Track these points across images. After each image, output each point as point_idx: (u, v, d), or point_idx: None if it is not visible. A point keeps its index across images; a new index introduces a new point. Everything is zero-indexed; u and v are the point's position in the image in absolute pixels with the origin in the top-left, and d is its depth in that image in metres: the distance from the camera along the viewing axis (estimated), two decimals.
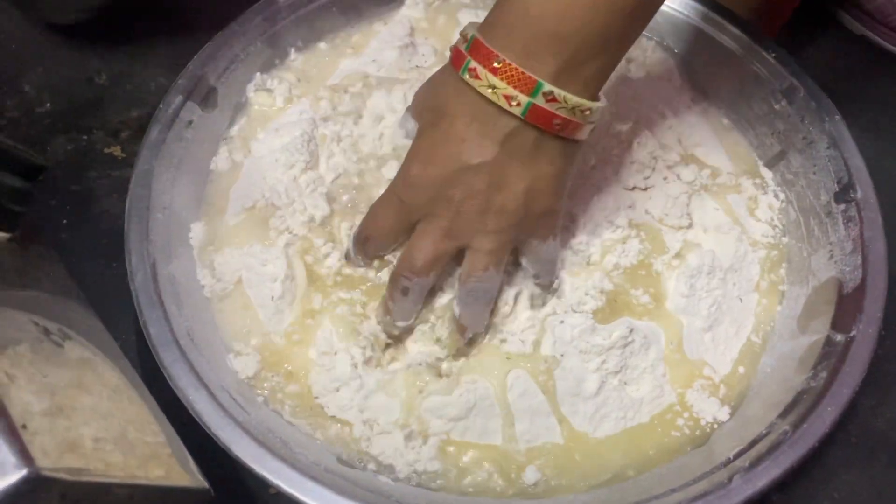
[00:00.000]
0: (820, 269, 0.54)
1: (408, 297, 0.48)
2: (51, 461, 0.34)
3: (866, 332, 0.49)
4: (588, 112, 0.44)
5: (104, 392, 0.41)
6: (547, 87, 0.42)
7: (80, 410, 0.39)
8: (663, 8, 0.63)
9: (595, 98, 0.45)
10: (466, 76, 0.43)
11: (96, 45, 0.68)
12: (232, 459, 0.46)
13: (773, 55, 0.60)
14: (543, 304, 0.52)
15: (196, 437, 0.44)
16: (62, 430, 0.37)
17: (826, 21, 0.74)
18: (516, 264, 0.51)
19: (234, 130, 0.59)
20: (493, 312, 0.51)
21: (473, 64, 0.43)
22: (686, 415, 0.51)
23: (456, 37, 0.53)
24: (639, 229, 0.56)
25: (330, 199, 0.55)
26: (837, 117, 0.57)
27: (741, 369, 0.53)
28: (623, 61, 0.62)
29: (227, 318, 0.52)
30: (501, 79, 0.42)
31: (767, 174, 0.60)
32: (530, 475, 0.48)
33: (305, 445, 0.46)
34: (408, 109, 0.54)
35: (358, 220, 0.52)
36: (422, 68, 0.63)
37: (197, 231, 0.54)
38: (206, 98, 0.57)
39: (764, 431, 0.46)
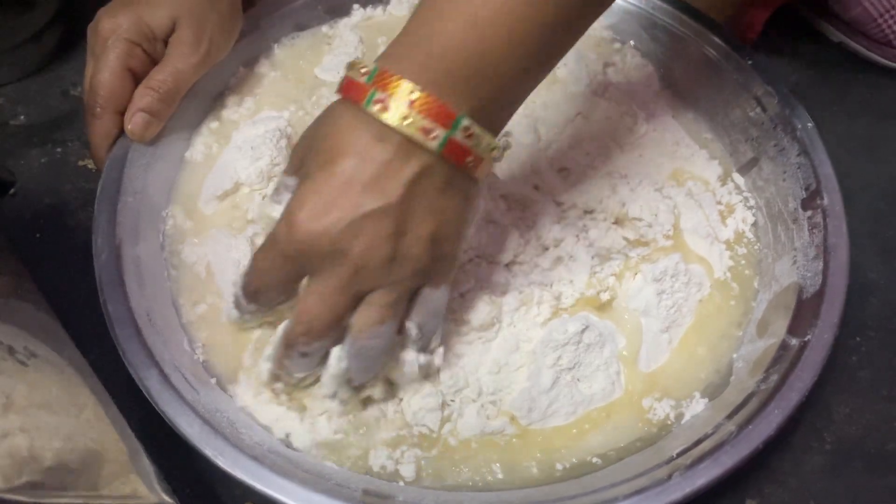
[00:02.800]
0: (783, 274, 0.54)
1: (306, 359, 0.45)
2: (13, 484, 0.35)
3: (821, 337, 0.48)
4: (494, 151, 0.42)
5: (70, 410, 0.42)
6: (466, 121, 0.40)
7: (44, 430, 0.39)
8: (642, 13, 0.64)
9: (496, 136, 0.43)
10: (374, 107, 0.40)
11: (70, 57, 0.69)
12: (204, 474, 0.48)
13: (750, 62, 0.60)
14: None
15: (168, 453, 0.45)
16: (23, 451, 0.37)
17: (804, 28, 0.74)
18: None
19: (212, 120, 0.60)
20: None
21: (381, 95, 0.39)
22: (638, 413, 0.51)
23: None
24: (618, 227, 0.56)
25: None
26: (810, 125, 0.57)
27: (697, 371, 0.52)
28: (601, 65, 0.63)
29: (189, 301, 0.53)
30: (417, 111, 0.39)
31: (740, 180, 0.60)
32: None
33: (251, 427, 0.47)
34: (284, 172, 0.48)
35: None
36: None
37: (167, 216, 0.55)
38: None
39: (710, 431, 0.46)
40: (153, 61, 0.55)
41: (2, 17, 0.66)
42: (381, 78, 0.40)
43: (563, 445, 0.49)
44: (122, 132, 0.55)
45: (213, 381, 0.49)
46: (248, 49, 0.63)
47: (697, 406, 0.50)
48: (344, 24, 0.66)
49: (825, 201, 0.54)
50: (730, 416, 0.47)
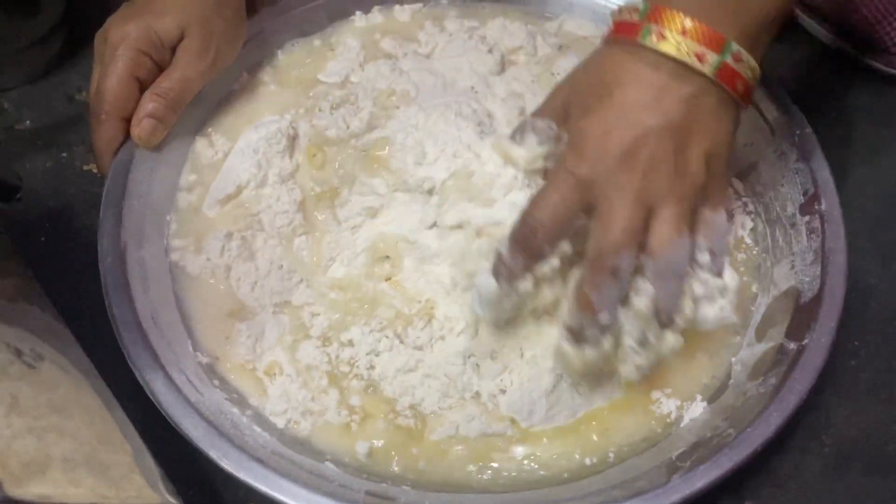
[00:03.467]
0: (781, 278, 0.54)
1: (618, 279, 0.44)
2: (19, 484, 0.36)
3: (819, 340, 0.49)
4: (757, 79, 0.45)
5: (76, 412, 0.42)
6: (735, 46, 0.43)
7: (51, 432, 0.39)
8: None
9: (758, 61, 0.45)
10: (651, 39, 0.43)
11: (75, 61, 0.70)
12: (208, 475, 0.48)
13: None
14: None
15: (173, 454, 0.45)
16: (32, 453, 0.38)
17: (802, 34, 0.75)
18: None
19: (216, 125, 0.61)
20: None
21: (656, 27, 0.43)
22: (640, 415, 0.51)
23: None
24: None
25: (303, 191, 0.57)
26: (808, 130, 0.57)
27: (697, 374, 0.53)
28: None
29: (194, 303, 0.53)
30: (690, 38, 0.43)
31: (739, 185, 0.61)
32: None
33: (255, 429, 0.47)
34: (534, 114, 0.49)
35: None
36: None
37: (171, 220, 0.56)
38: None
39: (709, 434, 0.47)
40: (160, 69, 0.55)
41: (7, 21, 0.66)
42: (653, 12, 0.44)
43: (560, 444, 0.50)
44: (126, 138, 0.55)
45: (216, 382, 0.49)
46: (251, 55, 0.63)
47: (696, 409, 0.50)
48: (347, 29, 0.67)
49: (823, 206, 0.54)
50: (728, 419, 0.47)
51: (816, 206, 0.54)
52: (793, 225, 0.55)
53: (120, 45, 0.53)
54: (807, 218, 0.54)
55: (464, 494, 0.47)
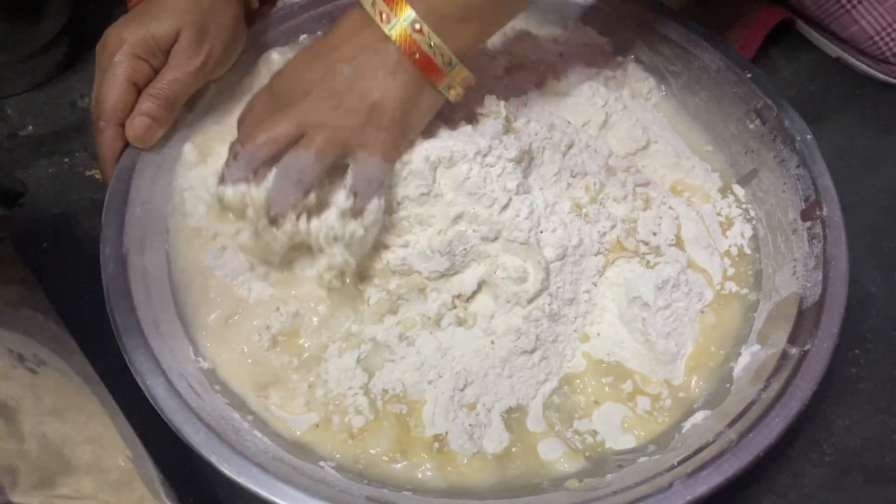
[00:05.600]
0: (783, 284, 0.54)
1: (237, 162, 0.49)
2: (21, 490, 0.36)
3: (821, 346, 0.49)
4: (449, 65, 0.49)
5: (78, 418, 0.42)
6: (416, 17, 0.47)
7: (53, 437, 0.40)
8: (644, 27, 0.65)
9: (459, 56, 0.49)
10: None
11: (79, 68, 0.71)
12: (209, 480, 0.49)
13: (749, 75, 0.61)
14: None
15: (174, 460, 0.46)
16: (33, 458, 0.38)
17: (803, 43, 0.75)
18: None
19: (217, 132, 0.61)
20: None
21: None
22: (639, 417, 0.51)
23: None
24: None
25: None
26: (809, 137, 0.57)
27: (696, 379, 0.53)
28: (602, 78, 0.63)
29: (193, 309, 0.53)
30: None
31: (740, 191, 0.61)
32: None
33: (256, 435, 0.47)
34: None
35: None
36: None
37: (172, 226, 0.56)
38: (191, 100, 0.59)
39: (711, 439, 0.46)
40: (158, 74, 0.56)
41: (11, 29, 0.66)
42: None
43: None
44: (127, 145, 0.55)
45: (218, 388, 0.49)
46: (253, 63, 0.63)
47: (698, 415, 0.50)
48: None
49: (824, 212, 0.54)
50: (731, 425, 0.47)
51: (818, 212, 0.54)
52: (794, 231, 0.55)
53: (117, 52, 0.54)
54: (808, 224, 0.55)
55: (466, 500, 0.47)
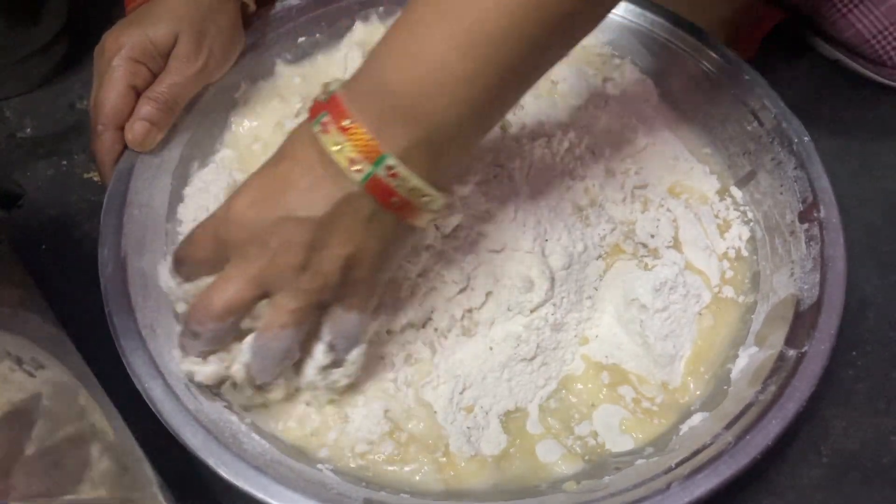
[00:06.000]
0: (780, 286, 0.54)
1: (198, 342, 0.46)
2: (19, 494, 0.35)
3: (818, 348, 0.49)
4: (428, 199, 0.43)
5: (75, 421, 0.42)
6: (392, 160, 0.41)
7: (50, 440, 0.39)
8: (641, 29, 0.65)
9: (440, 189, 0.43)
10: (317, 128, 0.42)
11: (77, 69, 0.70)
12: (207, 483, 0.49)
13: (747, 77, 0.61)
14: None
15: (171, 463, 0.45)
16: (31, 461, 0.38)
17: (800, 45, 0.75)
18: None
19: (215, 135, 0.61)
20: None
21: (326, 118, 0.41)
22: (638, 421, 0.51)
23: None
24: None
25: None
26: (806, 139, 0.58)
27: (693, 381, 0.53)
28: (600, 80, 0.64)
29: None
30: (349, 140, 0.41)
31: (738, 193, 0.61)
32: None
33: (254, 437, 0.47)
34: None
35: None
36: None
37: (171, 230, 0.56)
38: (190, 103, 0.59)
39: (708, 441, 0.46)
40: (156, 77, 0.56)
41: (9, 30, 0.66)
42: (332, 101, 0.42)
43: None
44: (125, 148, 0.56)
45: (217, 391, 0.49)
46: (251, 66, 0.63)
47: (696, 417, 0.50)
48: (346, 40, 0.67)
49: (822, 214, 0.54)
50: (728, 427, 0.47)
51: (815, 214, 0.54)
52: (792, 233, 0.55)
53: (115, 56, 0.54)
54: (806, 226, 0.55)
55: (464, 503, 0.47)
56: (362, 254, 0.44)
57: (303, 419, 0.50)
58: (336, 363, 0.47)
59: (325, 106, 0.42)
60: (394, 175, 0.41)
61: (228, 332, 0.45)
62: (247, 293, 0.44)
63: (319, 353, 0.47)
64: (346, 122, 0.41)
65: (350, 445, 0.49)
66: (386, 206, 0.42)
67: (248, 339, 0.45)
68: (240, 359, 0.46)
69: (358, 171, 0.41)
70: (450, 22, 0.40)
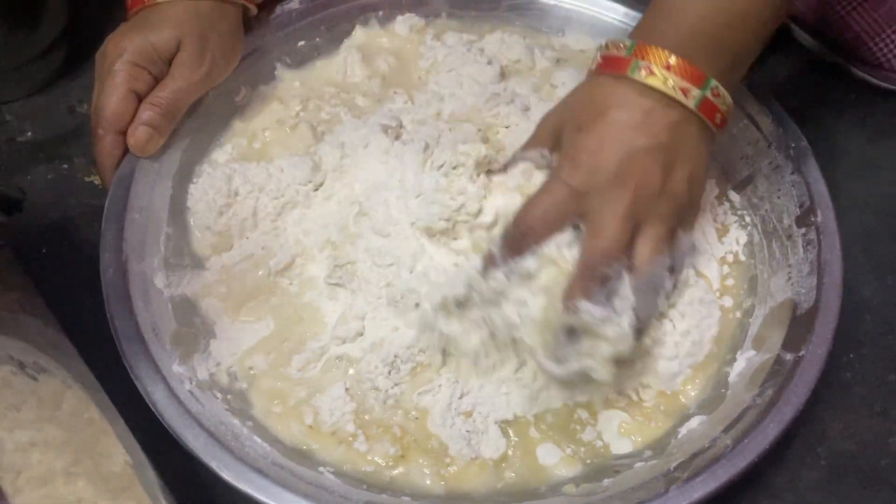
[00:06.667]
0: (778, 290, 0.55)
1: (605, 286, 0.47)
2: (24, 498, 0.36)
3: (815, 351, 0.49)
4: (731, 108, 0.49)
5: (78, 424, 0.42)
6: (714, 82, 0.47)
7: (54, 444, 0.40)
8: None
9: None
10: (640, 73, 0.47)
11: (77, 74, 0.71)
12: (209, 486, 0.49)
13: (744, 81, 0.61)
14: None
15: (173, 465, 0.46)
16: (35, 465, 0.38)
17: (798, 49, 0.75)
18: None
19: (216, 140, 0.62)
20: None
21: (644, 63, 0.47)
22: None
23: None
24: None
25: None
26: (803, 143, 0.58)
27: (691, 385, 0.53)
28: None
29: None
30: (675, 74, 0.46)
31: (736, 198, 0.61)
32: None
33: (255, 440, 0.48)
34: (524, 147, 0.53)
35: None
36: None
37: (170, 233, 0.56)
38: (191, 108, 0.59)
39: (706, 445, 0.47)
40: (158, 82, 0.56)
41: (9, 35, 0.67)
42: (640, 49, 0.48)
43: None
44: (126, 151, 0.56)
45: (219, 395, 0.50)
46: (251, 70, 0.64)
47: (694, 420, 0.50)
48: (346, 44, 0.67)
49: (819, 218, 0.55)
50: (726, 430, 0.47)
51: (812, 218, 0.55)
52: (789, 237, 0.56)
53: (117, 60, 0.54)
54: (803, 230, 0.55)
55: None
56: (698, 171, 0.49)
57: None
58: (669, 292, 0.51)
59: (634, 55, 0.47)
60: (716, 94, 0.48)
61: (616, 275, 0.47)
62: (628, 226, 0.47)
63: (667, 280, 0.50)
64: (671, 59, 0.47)
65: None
66: (712, 121, 0.48)
67: (626, 285, 0.47)
68: (625, 309, 0.47)
69: (691, 96, 0.47)
70: None
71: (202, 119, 0.60)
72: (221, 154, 0.62)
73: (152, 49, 0.55)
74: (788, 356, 0.50)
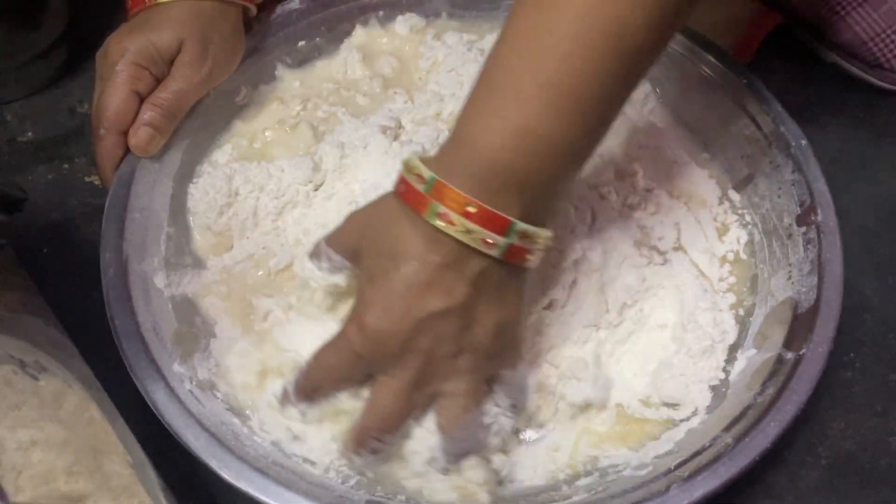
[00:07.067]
0: (778, 289, 0.55)
1: (376, 455, 0.46)
2: (25, 496, 0.36)
3: (816, 350, 0.49)
4: (547, 241, 0.44)
5: (79, 423, 0.43)
6: (520, 225, 0.42)
7: (55, 443, 0.40)
8: None
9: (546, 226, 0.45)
10: (438, 222, 0.41)
11: (78, 74, 0.71)
12: (210, 486, 0.49)
13: (745, 81, 0.61)
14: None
15: (174, 465, 0.46)
16: (36, 464, 0.38)
17: (798, 49, 0.75)
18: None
19: (216, 141, 0.62)
20: None
21: (443, 209, 0.41)
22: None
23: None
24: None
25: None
26: (804, 142, 0.58)
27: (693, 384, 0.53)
28: None
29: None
30: (475, 222, 0.41)
31: (736, 197, 0.61)
32: None
33: (256, 440, 0.48)
34: (327, 243, 0.49)
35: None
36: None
37: (171, 233, 0.56)
38: (191, 108, 0.59)
39: (707, 444, 0.47)
40: (159, 83, 0.56)
41: (10, 35, 0.67)
42: (437, 190, 0.41)
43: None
44: (127, 151, 0.56)
45: (219, 395, 0.50)
46: (252, 70, 0.64)
47: (695, 419, 0.50)
48: (346, 44, 0.68)
49: (819, 217, 0.54)
50: (727, 429, 0.47)
51: (813, 218, 0.55)
52: (789, 236, 0.56)
53: (119, 60, 0.54)
54: (803, 229, 0.55)
55: None
56: (507, 316, 0.45)
57: None
58: (514, 415, 0.48)
59: (433, 196, 0.41)
60: (525, 235, 0.42)
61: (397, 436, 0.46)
62: (416, 397, 0.44)
63: (506, 421, 0.47)
64: (469, 208, 0.41)
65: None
66: (521, 263, 0.44)
67: (435, 438, 0.45)
68: (433, 448, 0.45)
69: (493, 246, 0.42)
70: (534, 72, 0.41)
71: (203, 119, 0.60)
72: (222, 154, 0.62)
73: (154, 50, 0.55)
74: (789, 355, 0.50)
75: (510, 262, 0.43)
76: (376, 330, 0.43)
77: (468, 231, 0.41)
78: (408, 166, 0.43)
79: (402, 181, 0.43)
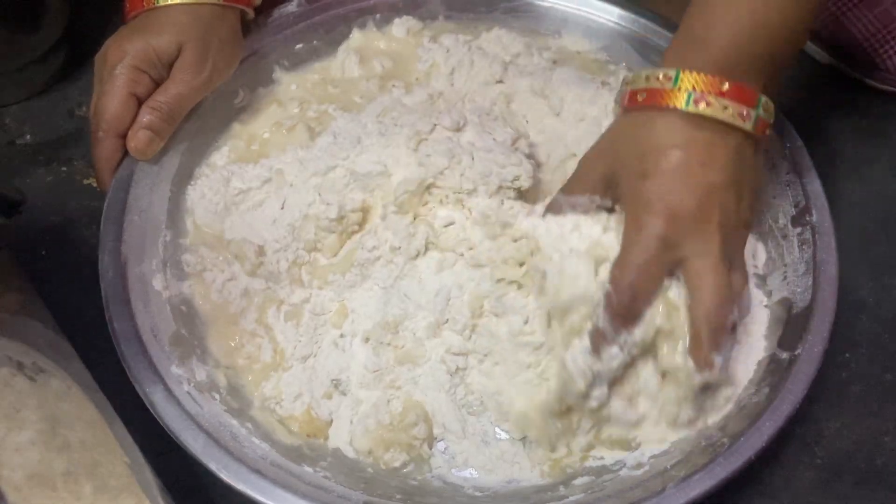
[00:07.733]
0: (774, 289, 0.55)
1: (734, 331, 0.48)
2: (22, 497, 0.36)
3: (811, 350, 0.49)
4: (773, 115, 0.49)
5: (76, 424, 0.43)
6: (764, 98, 0.47)
7: (52, 445, 0.40)
8: (634, 35, 0.66)
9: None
10: (698, 106, 0.46)
11: (76, 77, 0.71)
12: (208, 487, 0.49)
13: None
14: None
15: (172, 466, 0.46)
16: (33, 465, 0.38)
17: None
18: None
19: (214, 143, 0.62)
20: None
21: (697, 94, 0.46)
22: None
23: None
24: None
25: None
26: (799, 143, 0.58)
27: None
28: (599, 84, 0.64)
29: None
30: (731, 99, 0.46)
31: None
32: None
33: (254, 441, 0.48)
34: (568, 192, 0.51)
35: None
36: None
37: (169, 235, 0.57)
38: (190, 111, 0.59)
39: (703, 443, 0.47)
40: (158, 86, 0.56)
41: (9, 38, 0.67)
42: (690, 81, 0.46)
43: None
44: (125, 155, 0.56)
45: (217, 396, 0.50)
46: (250, 73, 0.64)
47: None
48: (344, 47, 0.68)
49: (814, 218, 0.55)
50: (722, 428, 0.48)
51: (808, 218, 0.55)
52: (785, 237, 0.56)
53: (118, 63, 0.55)
54: (798, 230, 0.55)
55: None
56: (758, 191, 0.50)
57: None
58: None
59: (686, 86, 0.46)
60: (766, 109, 0.48)
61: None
62: (727, 269, 0.46)
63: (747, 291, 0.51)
64: (724, 87, 0.46)
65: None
66: (763, 136, 0.48)
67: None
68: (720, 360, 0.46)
69: (747, 118, 0.46)
70: None
71: (201, 122, 0.61)
72: (220, 156, 0.62)
73: (153, 53, 0.55)
74: (784, 355, 0.50)
75: (756, 136, 0.47)
76: (669, 206, 0.45)
77: (725, 107, 0.46)
78: (634, 80, 0.49)
79: (631, 96, 0.48)
